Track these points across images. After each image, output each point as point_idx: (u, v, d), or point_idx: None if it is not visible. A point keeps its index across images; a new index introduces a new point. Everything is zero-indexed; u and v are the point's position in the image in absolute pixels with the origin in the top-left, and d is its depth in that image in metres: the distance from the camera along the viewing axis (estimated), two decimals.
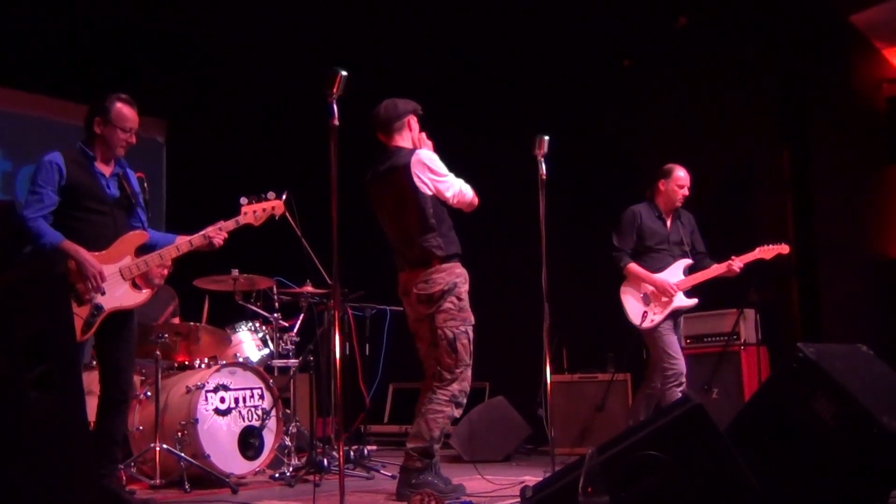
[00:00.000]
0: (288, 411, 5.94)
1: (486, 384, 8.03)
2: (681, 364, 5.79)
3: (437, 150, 4.89)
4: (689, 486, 3.13)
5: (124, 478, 5.14)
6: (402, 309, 6.84)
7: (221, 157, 8.79)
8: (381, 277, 8.17)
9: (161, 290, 6.44)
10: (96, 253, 4.34)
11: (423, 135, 4.91)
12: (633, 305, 5.99)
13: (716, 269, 5.92)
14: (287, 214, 5.78)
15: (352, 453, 5.94)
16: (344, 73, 3.80)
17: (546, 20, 7.69)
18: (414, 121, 4.91)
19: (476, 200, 4.81)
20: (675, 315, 5.97)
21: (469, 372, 4.71)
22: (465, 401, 4.72)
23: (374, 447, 7.56)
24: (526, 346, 6.25)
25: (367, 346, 6.71)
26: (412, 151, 4.76)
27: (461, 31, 7.78)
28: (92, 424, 4.63)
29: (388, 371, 7.30)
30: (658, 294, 5.91)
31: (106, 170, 4.54)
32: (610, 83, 8.16)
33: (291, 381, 6.02)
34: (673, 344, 5.86)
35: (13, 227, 2.59)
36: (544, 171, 4.94)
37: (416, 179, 4.69)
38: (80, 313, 4.28)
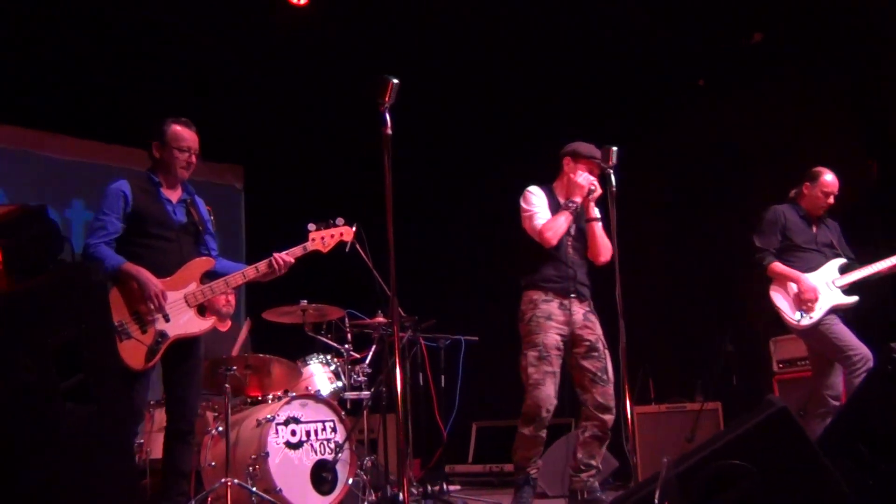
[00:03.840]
0: (362, 445, 5.80)
1: (570, 420, 7.77)
2: (863, 348, 5.37)
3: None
4: (775, 498, 2.88)
5: None
6: (477, 340, 6.78)
7: (299, 199, 8.82)
8: (456, 307, 8.13)
9: (232, 324, 6.44)
10: (161, 279, 4.32)
11: (577, 174, 5.01)
12: (786, 304, 5.63)
13: (882, 265, 5.55)
14: (358, 246, 5.73)
15: (430, 489, 5.76)
16: (395, 80, 3.71)
17: (622, 39, 7.57)
18: (568, 163, 5.11)
19: (546, 235, 4.92)
20: (834, 312, 5.57)
21: (531, 391, 4.87)
22: (531, 419, 4.85)
23: (458, 487, 7.37)
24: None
25: (443, 378, 6.54)
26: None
27: (537, 48, 7.68)
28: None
29: (470, 408, 7.14)
30: (804, 295, 5.55)
31: (173, 196, 4.54)
32: (685, 101, 7.94)
33: (364, 413, 5.87)
34: (844, 332, 5.46)
35: (45, 231, 2.54)
36: (614, 183, 4.76)
37: (520, 211, 5.07)
38: (144, 340, 4.25)
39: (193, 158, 4.53)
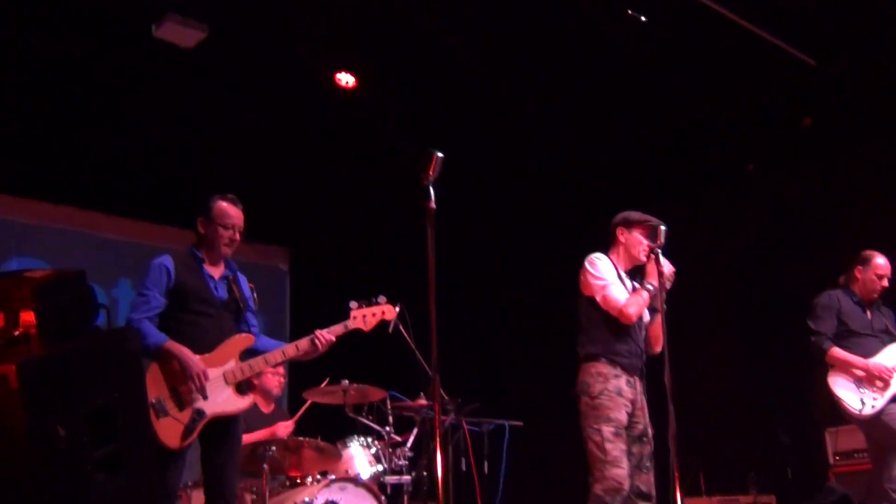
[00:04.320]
0: None
1: None
2: None
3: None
4: None
5: None
6: (521, 425, 6.62)
7: (345, 281, 8.80)
8: (501, 391, 8.00)
9: (278, 413, 6.34)
10: (201, 356, 4.26)
11: (662, 264, 4.73)
12: (847, 392, 5.42)
13: None
14: (401, 327, 5.66)
15: None
16: (440, 154, 3.67)
17: (671, 123, 7.54)
18: (622, 232, 4.88)
19: (629, 311, 4.61)
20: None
21: (611, 469, 4.46)
22: (612, 499, 4.44)
23: None
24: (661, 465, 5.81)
25: (486, 463, 6.36)
26: (591, 249, 4.86)
27: (586, 126, 7.69)
28: None
29: (515, 498, 6.95)
30: (872, 378, 5.38)
31: (215, 272, 4.51)
32: (738, 186, 7.86)
33: (405, 499, 5.70)
34: None
35: (81, 296, 2.49)
36: (664, 264, 4.64)
37: (580, 278, 4.79)
38: (181, 418, 4.17)
39: (237, 236, 4.51)
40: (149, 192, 8.07)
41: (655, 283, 4.66)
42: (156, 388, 4.15)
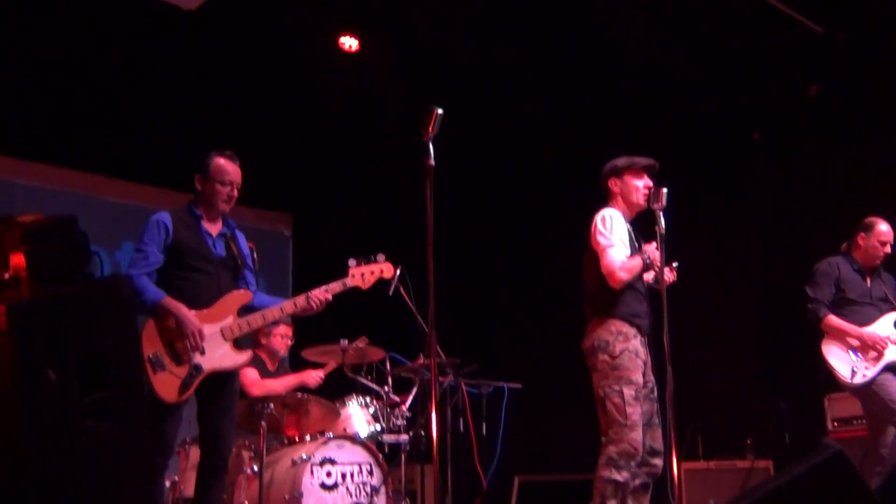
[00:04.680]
0: (400, 494, 5.67)
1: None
2: None
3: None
4: None
5: None
6: (520, 387, 6.63)
7: (347, 245, 8.78)
8: (500, 353, 8.01)
9: (282, 371, 6.36)
10: (197, 311, 4.27)
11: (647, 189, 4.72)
12: (839, 360, 5.43)
13: None
14: (401, 289, 5.67)
15: None
16: (440, 111, 3.66)
17: (676, 92, 7.49)
18: (614, 183, 4.79)
19: (621, 277, 4.51)
20: (890, 370, 5.38)
21: (629, 433, 4.40)
22: (626, 463, 4.39)
23: None
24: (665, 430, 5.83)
25: (484, 426, 6.38)
26: (603, 207, 4.72)
27: (589, 88, 7.62)
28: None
29: (511, 459, 6.96)
30: (867, 348, 5.38)
31: (213, 229, 4.52)
32: (742, 155, 7.81)
33: (402, 458, 5.73)
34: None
35: (74, 242, 2.49)
36: (663, 225, 4.61)
37: (591, 235, 4.64)
38: (178, 373, 4.19)
39: (235, 192, 4.51)
40: (152, 155, 8.06)
41: (653, 256, 4.56)
42: (152, 343, 4.18)
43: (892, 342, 5.39)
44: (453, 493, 6.51)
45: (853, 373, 5.36)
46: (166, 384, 4.15)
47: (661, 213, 4.61)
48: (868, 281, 5.63)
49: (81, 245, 2.55)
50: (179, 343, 4.20)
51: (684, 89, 7.50)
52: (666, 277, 4.75)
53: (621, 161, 4.81)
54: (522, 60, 7.33)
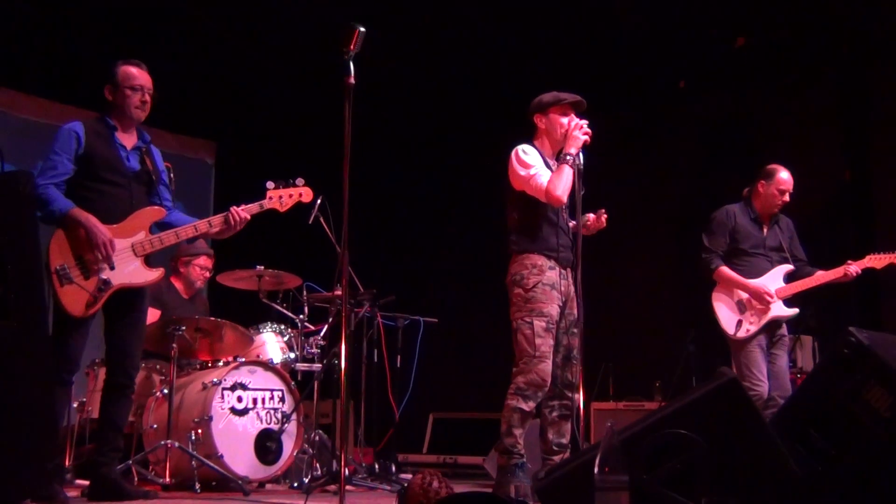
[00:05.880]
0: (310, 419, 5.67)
1: None
2: (763, 388, 5.26)
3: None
4: (721, 469, 2.78)
5: (135, 476, 4.92)
6: (436, 322, 6.67)
7: (269, 175, 8.67)
8: (419, 287, 8.02)
9: (198, 300, 6.27)
10: (109, 226, 4.17)
11: (572, 124, 4.64)
12: (725, 313, 5.50)
13: (827, 275, 5.45)
14: (321, 219, 5.61)
15: (377, 467, 5.63)
16: (361, 28, 3.60)
17: (604, 41, 7.48)
18: (539, 119, 4.79)
19: (556, 194, 4.50)
20: (773, 326, 5.46)
21: (537, 364, 4.49)
22: (533, 393, 4.50)
23: (410, 476, 7.23)
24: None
25: (399, 358, 6.41)
26: (517, 144, 4.73)
27: (521, 22, 7.51)
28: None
29: (425, 395, 7.02)
30: (753, 301, 5.44)
31: (127, 141, 4.39)
32: (667, 101, 7.88)
33: (315, 384, 5.70)
34: (759, 363, 5.35)
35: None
36: (582, 162, 4.59)
37: (509, 172, 4.69)
38: (87, 287, 4.09)
39: (147, 97, 4.36)
40: (70, 74, 7.79)
41: (573, 150, 4.54)
42: (61, 255, 4.07)
43: (778, 296, 5.44)
44: (366, 426, 6.56)
45: (737, 326, 5.42)
46: (73, 297, 4.05)
47: (580, 151, 4.60)
48: (765, 230, 5.62)
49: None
50: (89, 255, 4.10)
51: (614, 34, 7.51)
52: (590, 221, 4.81)
53: (547, 97, 4.79)
54: None
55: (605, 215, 4.84)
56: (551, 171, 4.65)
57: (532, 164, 4.61)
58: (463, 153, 8.53)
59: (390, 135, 8.49)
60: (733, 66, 7.49)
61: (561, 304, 4.64)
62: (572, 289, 4.70)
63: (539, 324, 4.51)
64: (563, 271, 4.67)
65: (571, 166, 4.51)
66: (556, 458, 4.61)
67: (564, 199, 4.54)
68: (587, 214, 4.81)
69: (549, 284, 4.57)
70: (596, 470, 2.48)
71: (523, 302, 4.56)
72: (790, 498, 2.84)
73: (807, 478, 2.94)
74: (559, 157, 4.65)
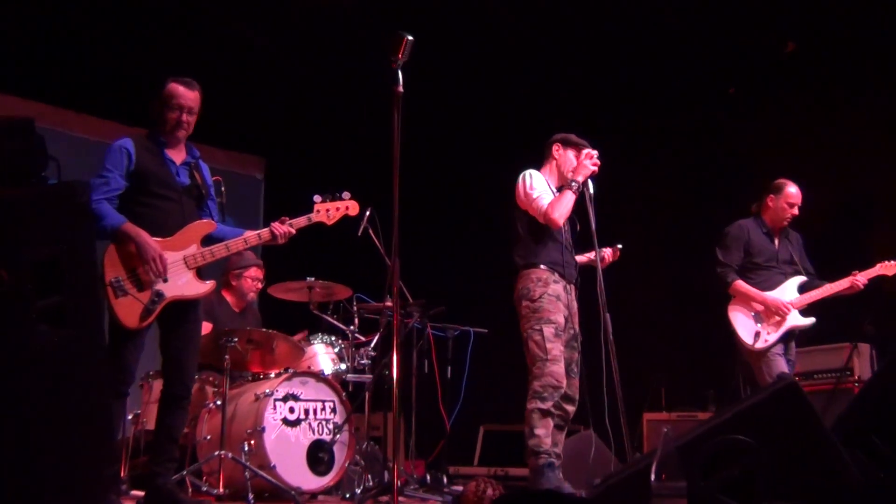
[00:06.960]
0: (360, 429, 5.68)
1: (579, 427, 7.61)
2: None
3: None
4: (780, 475, 2.72)
5: (189, 486, 4.96)
6: (486, 332, 6.65)
7: (319, 191, 8.73)
8: (469, 298, 7.97)
9: (249, 313, 6.30)
10: (160, 239, 4.23)
11: (583, 154, 4.94)
12: (743, 325, 5.62)
13: (836, 286, 5.57)
14: (370, 231, 5.65)
15: (428, 478, 5.62)
16: (409, 37, 3.61)
17: (653, 47, 7.45)
18: (558, 148, 5.09)
19: (554, 216, 4.79)
20: (789, 336, 5.60)
21: (550, 367, 4.70)
22: (550, 395, 4.69)
23: (461, 488, 7.21)
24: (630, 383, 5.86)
25: (450, 369, 6.40)
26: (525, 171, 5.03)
27: (564, 40, 7.56)
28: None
29: (476, 406, 6.99)
30: (770, 313, 5.55)
31: (177, 157, 4.45)
32: (716, 110, 7.80)
33: (367, 395, 5.72)
34: (783, 369, 5.46)
35: (30, 144, 2.44)
36: (591, 188, 4.86)
37: (516, 192, 4.97)
38: (141, 298, 4.15)
39: (187, 117, 4.37)
40: (123, 93, 7.93)
41: (580, 178, 4.82)
42: (114, 268, 4.14)
43: (794, 307, 5.54)
44: (417, 437, 6.55)
45: (756, 337, 5.54)
46: (128, 309, 4.11)
47: (591, 179, 4.86)
48: (776, 243, 5.76)
49: (38, 147, 2.50)
50: (141, 269, 4.16)
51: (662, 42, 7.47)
52: (607, 257, 5.14)
53: (574, 137, 5.10)
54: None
55: (619, 251, 5.22)
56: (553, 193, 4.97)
57: (536, 188, 4.90)
58: (515, 163, 8.50)
59: (440, 138, 8.49)
60: (785, 71, 7.40)
61: (566, 317, 4.85)
62: (575, 304, 4.96)
63: (548, 330, 4.73)
64: (567, 286, 4.91)
65: (575, 192, 4.81)
66: None
67: (561, 222, 4.82)
68: (604, 249, 5.11)
69: (555, 296, 4.80)
70: (652, 477, 2.45)
71: (531, 312, 4.79)
72: None
73: (868, 484, 2.87)
74: (561, 188, 4.93)
